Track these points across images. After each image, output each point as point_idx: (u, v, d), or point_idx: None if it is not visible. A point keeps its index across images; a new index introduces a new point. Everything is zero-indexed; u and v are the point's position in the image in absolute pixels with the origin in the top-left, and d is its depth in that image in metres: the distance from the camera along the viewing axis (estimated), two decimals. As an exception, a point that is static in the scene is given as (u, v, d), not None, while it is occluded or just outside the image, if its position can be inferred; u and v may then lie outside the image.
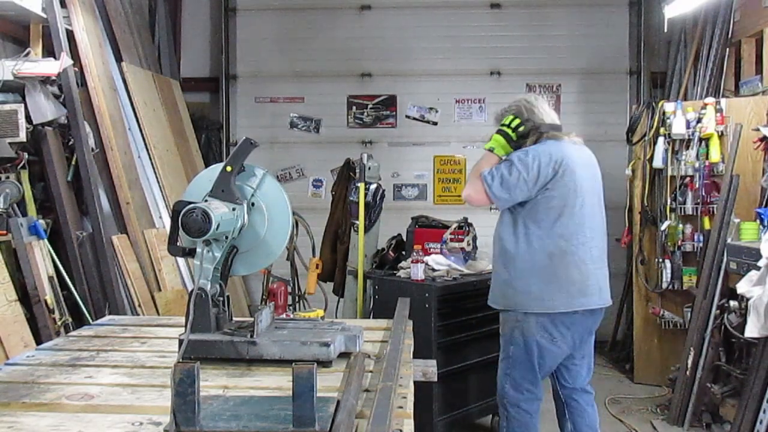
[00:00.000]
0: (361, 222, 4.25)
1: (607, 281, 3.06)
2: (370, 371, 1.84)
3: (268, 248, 2.01)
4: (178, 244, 1.95)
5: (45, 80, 3.94)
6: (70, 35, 4.26)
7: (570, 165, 2.89)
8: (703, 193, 4.60)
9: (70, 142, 4.12)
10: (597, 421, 3.17)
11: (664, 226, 4.77)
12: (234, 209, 1.94)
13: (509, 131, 3.02)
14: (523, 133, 3.00)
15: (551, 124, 3.03)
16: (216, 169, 1.99)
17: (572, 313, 2.91)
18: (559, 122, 3.08)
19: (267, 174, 2.01)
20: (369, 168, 4.30)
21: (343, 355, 1.91)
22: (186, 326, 1.79)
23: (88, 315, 3.87)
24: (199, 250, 1.92)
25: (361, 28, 6.53)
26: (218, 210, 1.87)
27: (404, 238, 4.47)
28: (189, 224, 1.84)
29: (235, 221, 1.94)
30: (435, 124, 6.56)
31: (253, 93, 6.62)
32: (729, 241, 3.99)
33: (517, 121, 3.01)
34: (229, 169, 1.95)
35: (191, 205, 1.85)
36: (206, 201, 1.91)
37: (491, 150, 3.03)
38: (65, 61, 4.02)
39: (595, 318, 3.02)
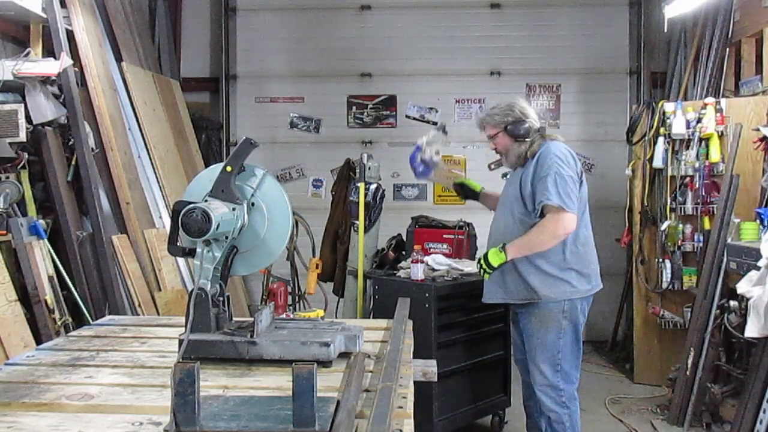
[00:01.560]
0: (361, 222, 4.25)
1: None
2: (370, 371, 1.83)
3: (268, 248, 2.01)
4: (178, 244, 1.95)
5: (45, 80, 3.93)
6: (70, 35, 4.26)
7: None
8: (703, 193, 4.60)
9: (70, 142, 4.11)
10: None
11: (664, 226, 4.77)
12: (234, 209, 1.94)
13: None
14: (519, 135, 3.11)
15: (543, 127, 3.23)
16: (216, 169, 1.99)
17: (594, 293, 3.17)
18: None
19: (267, 174, 2.01)
20: (369, 168, 4.29)
21: (343, 355, 1.91)
22: (186, 326, 1.79)
23: (88, 315, 3.86)
24: (199, 250, 1.92)
25: (361, 28, 6.53)
26: (218, 210, 1.87)
27: (404, 238, 4.48)
28: (189, 224, 1.84)
29: (235, 221, 1.94)
30: (435, 124, 6.54)
31: (253, 93, 6.62)
32: (729, 241, 3.99)
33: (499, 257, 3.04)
34: (229, 169, 1.95)
35: (191, 205, 1.85)
36: (206, 201, 1.91)
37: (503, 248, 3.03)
38: (65, 61, 4.02)
39: None
